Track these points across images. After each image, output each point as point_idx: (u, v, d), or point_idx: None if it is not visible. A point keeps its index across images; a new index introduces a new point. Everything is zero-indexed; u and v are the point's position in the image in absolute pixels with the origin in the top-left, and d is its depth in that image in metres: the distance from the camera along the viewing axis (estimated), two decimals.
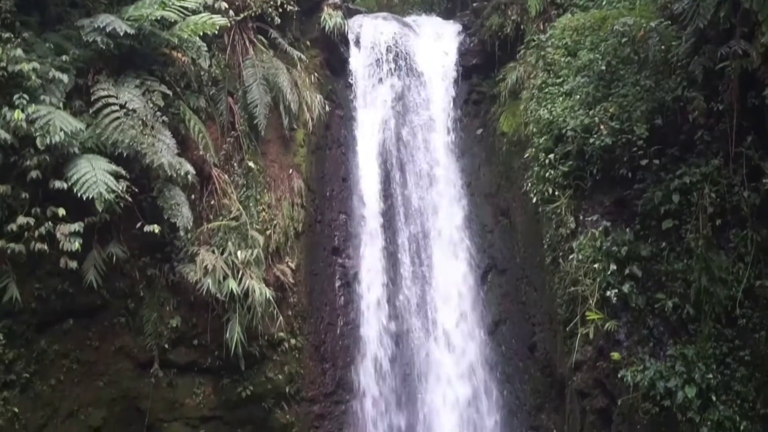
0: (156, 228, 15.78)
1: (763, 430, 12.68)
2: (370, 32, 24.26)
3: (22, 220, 14.46)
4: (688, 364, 13.17)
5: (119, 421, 17.05)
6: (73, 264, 14.95)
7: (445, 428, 20.41)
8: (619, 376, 13.93)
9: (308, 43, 22.45)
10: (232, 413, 18.28)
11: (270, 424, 18.76)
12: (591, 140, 15.37)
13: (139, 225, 15.86)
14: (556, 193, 16.32)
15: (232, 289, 16.78)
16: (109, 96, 15.72)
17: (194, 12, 17.11)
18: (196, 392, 17.81)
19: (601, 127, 15.24)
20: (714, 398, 12.94)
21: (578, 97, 16.51)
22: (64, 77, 15.28)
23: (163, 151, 15.90)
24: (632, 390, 13.60)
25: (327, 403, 20.10)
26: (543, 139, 16.93)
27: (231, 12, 18.95)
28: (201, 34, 17.25)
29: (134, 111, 15.71)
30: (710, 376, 13.01)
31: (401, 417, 20.56)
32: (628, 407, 13.93)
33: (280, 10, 20.73)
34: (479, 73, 23.72)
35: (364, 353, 20.76)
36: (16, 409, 15.22)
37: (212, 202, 17.99)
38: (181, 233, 16.64)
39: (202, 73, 18.45)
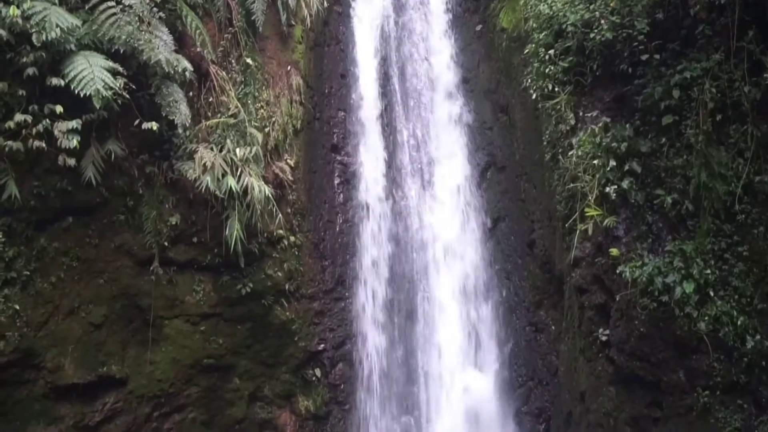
0: (154, 125, 15.66)
1: (759, 325, 12.79)
2: None
3: (19, 117, 14.36)
4: (686, 259, 13.22)
5: (120, 318, 17.18)
6: (72, 161, 14.93)
7: (445, 325, 20.75)
8: (617, 272, 14.01)
9: None
10: (232, 310, 18.47)
11: (270, 320, 18.98)
12: (591, 35, 15.15)
13: (137, 122, 15.73)
14: (556, 89, 16.16)
15: (231, 187, 16.76)
16: None
17: None
18: (196, 289, 17.95)
19: (602, 21, 15.03)
20: (712, 293, 13.03)
21: None
22: None
23: (161, 48, 15.71)
24: (630, 286, 13.69)
25: (326, 300, 20.35)
26: (543, 34, 16.70)
27: None
28: None
29: (130, 7, 15.43)
30: (708, 271, 13.09)
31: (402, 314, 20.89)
32: (626, 303, 14.01)
33: None
34: None
35: (363, 251, 20.94)
36: (17, 306, 15.37)
37: (210, 99, 17.83)
38: (180, 130, 16.56)
39: None
